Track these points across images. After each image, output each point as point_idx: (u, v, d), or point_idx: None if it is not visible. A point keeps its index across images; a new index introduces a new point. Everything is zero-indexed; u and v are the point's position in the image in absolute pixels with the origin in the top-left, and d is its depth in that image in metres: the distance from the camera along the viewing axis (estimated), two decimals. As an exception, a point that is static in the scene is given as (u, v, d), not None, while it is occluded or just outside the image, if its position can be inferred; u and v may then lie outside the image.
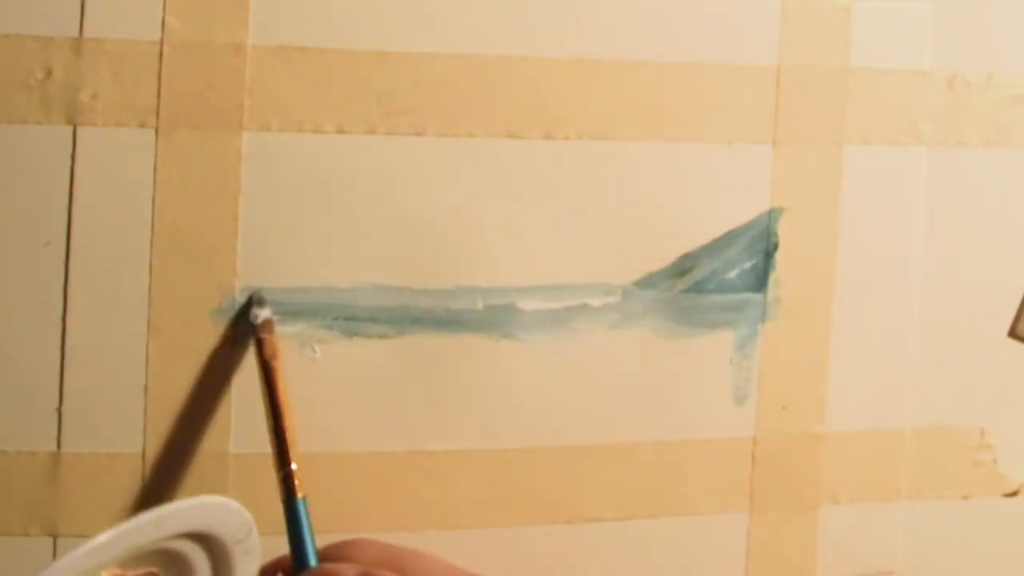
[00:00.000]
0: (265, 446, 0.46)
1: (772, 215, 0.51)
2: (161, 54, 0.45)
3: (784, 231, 0.51)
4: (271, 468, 0.46)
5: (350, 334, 0.47)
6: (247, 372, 0.46)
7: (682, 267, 0.50)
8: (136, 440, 0.45)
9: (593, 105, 0.48)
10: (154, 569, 0.40)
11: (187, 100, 0.45)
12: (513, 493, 0.49)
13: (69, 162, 0.44)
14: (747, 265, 0.50)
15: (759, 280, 0.51)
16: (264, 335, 0.44)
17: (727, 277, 0.50)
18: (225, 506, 0.40)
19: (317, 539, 0.44)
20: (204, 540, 0.40)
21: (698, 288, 0.50)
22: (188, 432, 0.46)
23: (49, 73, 0.44)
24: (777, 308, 0.51)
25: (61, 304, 0.45)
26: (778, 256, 0.51)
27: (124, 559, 0.38)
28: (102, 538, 0.36)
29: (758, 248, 0.51)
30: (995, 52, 0.52)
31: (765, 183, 0.50)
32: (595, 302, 0.49)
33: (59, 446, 0.45)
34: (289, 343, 0.46)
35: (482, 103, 0.47)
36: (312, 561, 0.42)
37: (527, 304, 0.48)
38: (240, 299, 0.46)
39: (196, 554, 0.40)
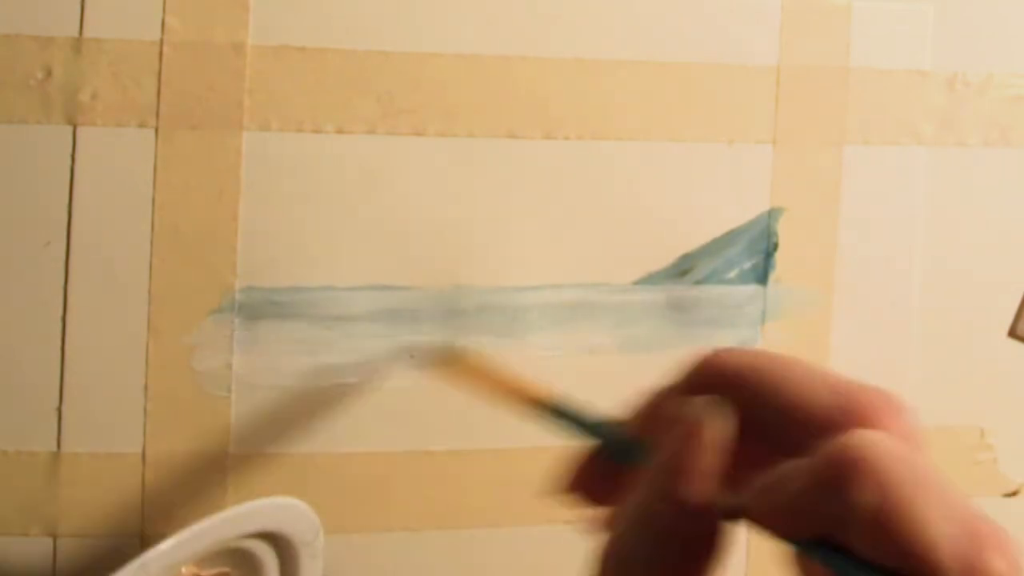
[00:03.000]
0: (265, 446, 0.46)
1: (772, 215, 0.51)
2: (161, 54, 0.45)
3: (784, 231, 0.51)
4: (271, 468, 0.46)
5: (350, 334, 0.47)
6: (247, 372, 0.46)
7: (682, 267, 0.50)
8: (136, 440, 0.45)
9: (593, 105, 0.48)
10: (227, 568, 0.41)
11: (187, 100, 0.45)
12: (513, 493, 0.49)
13: (69, 162, 0.44)
14: (747, 265, 0.50)
15: (759, 280, 0.51)
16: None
17: (727, 277, 0.50)
18: (296, 507, 0.41)
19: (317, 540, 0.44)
20: (274, 540, 0.41)
21: (698, 288, 0.50)
22: (188, 432, 0.46)
23: (49, 73, 0.44)
24: (777, 308, 0.51)
25: (61, 304, 0.45)
26: (778, 256, 0.51)
27: (200, 557, 0.39)
28: (185, 535, 0.37)
29: (758, 248, 0.51)
30: (995, 52, 0.52)
31: (765, 183, 0.50)
32: (595, 302, 0.49)
33: (59, 446, 0.45)
34: (289, 343, 0.46)
35: (482, 103, 0.47)
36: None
37: (527, 304, 0.48)
38: (240, 299, 0.46)
39: (266, 554, 0.42)
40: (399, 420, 0.48)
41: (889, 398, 0.31)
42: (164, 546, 0.38)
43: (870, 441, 0.28)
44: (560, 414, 0.36)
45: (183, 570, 0.40)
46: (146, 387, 0.45)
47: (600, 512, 0.33)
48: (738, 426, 0.30)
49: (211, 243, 0.45)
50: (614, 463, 0.34)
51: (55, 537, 0.45)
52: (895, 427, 0.30)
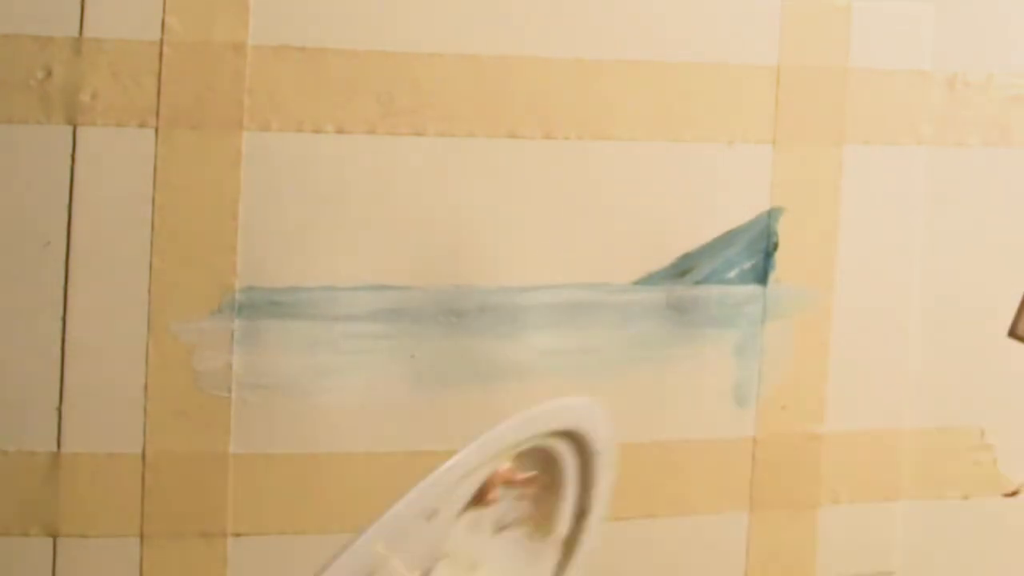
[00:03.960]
0: (265, 446, 0.46)
1: (772, 215, 0.51)
2: (161, 54, 0.45)
3: (784, 231, 0.51)
4: (271, 468, 0.46)
5: (350, 334, 0.47)
6: (247, 372, 0.46)
7: (682, 267, 0.50)
8: (136, 440, 0.45)
9: (593, 105, 0.48)
10: (535, 471, 0.41)
11: (187, 100, 0.45)
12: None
13: (69, 162, 0.44)
14: (747, 265, 0.51)
15: (759, 280, 0.51)
16: None
17: (727, 277, 0.50)
18: (593, 408, 0.41)
19: (314, 539, 0.44)
20: (575, 441, 0.41)
21: (698, 288, 0.50)
22: (188, 432, 0.46)
23: (49, 73, 0.44)
24: (777, 308, 0.51)
25: (61, 304, 0.45)
26: (778, 256, 0.51)
27: (509, 454, 0.39)
28: (496, 432, 0.38)
29: (758, 248, 0.51)
30: (995, 52, 0.52)
31: (765, 183, 0.50)
32: (595, 302, 0.49)
33: (59, 446, 0.45)
34: (289, 343, 0.46)
35: (482, 103, 0.47)
36: None
37: (527, 304, 0.48)
38: (240, 299, 0.46)
39: (567, 455, 0.41)
40: (399, 420, 0.48)
41: None
42: (454, 459, 0.38)
43: None
44: None
45: (499, 468, 0.39)
46: (146, 387, 0.45)
47: None
48: None
49: (211, 243, 0.45)
50: None
51: (55, 537, 0.45)
52: None
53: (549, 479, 0.41)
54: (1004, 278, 0.54)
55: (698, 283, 0.50)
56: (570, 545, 0.42)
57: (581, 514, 0.42)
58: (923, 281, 0.52)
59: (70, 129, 0.44)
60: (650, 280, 0.50)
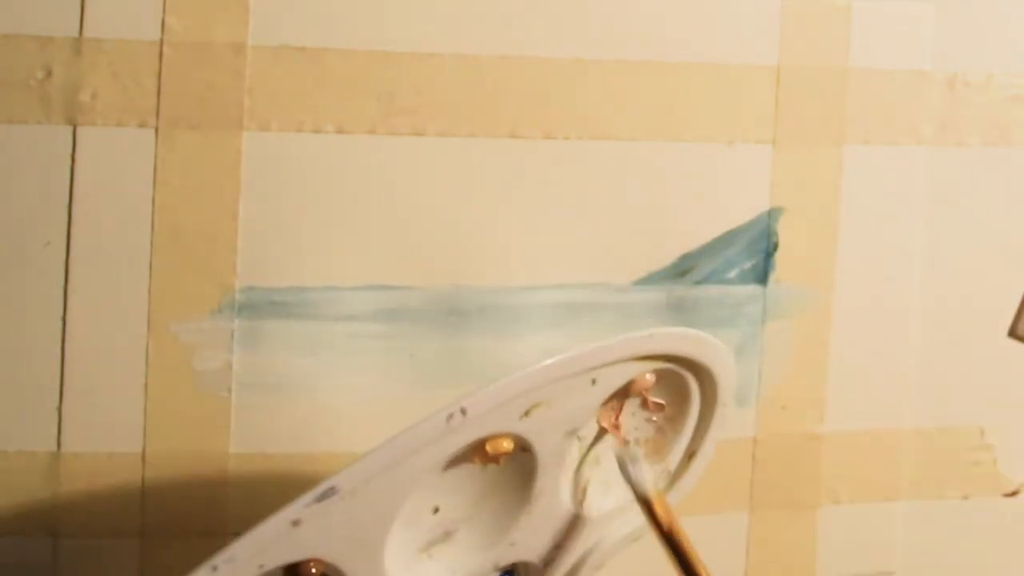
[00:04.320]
0: (265, 446, 0.46)
1: (772, 215, 0.51)
2: (161, 54, 0.45)
3: (784, 231, 0.51)
4: (271, 468, 0.46)
5: (350, 334, 0.47)
6: (247, 372, 0.46)
7: (682, 267, 0.50)
8: (136, 440, 0.45)
9: (593, 105, 0.48)
10: (663, 400, 0.41)
11: (187, 100, 0.45)
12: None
13: (69, 162, 0.44)
14: (747, 265, 0.51)
15: (759, 280, 0.51)
16: (657, 506, 0.41)
17: (727, 277, 0.50)
18: (718, 347, 0.40)
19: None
20: (707, 385, 0.41)
21: (698, 288, 0.50)
22: (188, 432, 0.46)
23: (49, 73, 0.44)
24: (777, 308, 0.51)
25: (61, 304, 0.45)
26: (778, 256, 0.51)
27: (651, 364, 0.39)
28: (645, 334, 0.38)
29: (758, 248, 0.51)
30: (995, 52, 0.52)
31: (765, 183, 0.50)
32: (595, 302, 0.49)
33: (59, 446, 0.45)
34: (289, 343, 0.46)
35: (482, 103, 0.47)
36: None
37: (527, 304, 0.48)
38: (240, 299, 0.46)
39: (696, 395, 0.41)
40: (399, 420, 0.48)
41: None
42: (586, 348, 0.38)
43: None
44: None
45: (637, 378, 0.39)
46: (146, 387, 0.45)
47: None
48: None
49: (211, 243, 0.45)
50: None
51: (55, 537, 0.45)
52: None
53: (675, 412, 0.42)
54: (1004, 278, 0.54)
55: (698, 283, 0.50)
56: (673, 481, 0.44)
57: (690, 455, 0.43)
58: (923, 281, 0.52)
59: (70, 129, 0.44)
60: (650, 280, 0.50)
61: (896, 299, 0.52)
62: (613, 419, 0.40)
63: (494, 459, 0.38)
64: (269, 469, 0.46)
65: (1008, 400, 0.54)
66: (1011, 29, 0.53)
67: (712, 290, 0.50)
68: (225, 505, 0.46)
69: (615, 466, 0.41)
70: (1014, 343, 0.54)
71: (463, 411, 0.36)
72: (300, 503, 0.34)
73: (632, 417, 0.41)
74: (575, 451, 0.41)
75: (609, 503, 0.42)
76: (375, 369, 0.47)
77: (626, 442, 0.41)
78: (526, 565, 0.41)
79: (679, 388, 0.41)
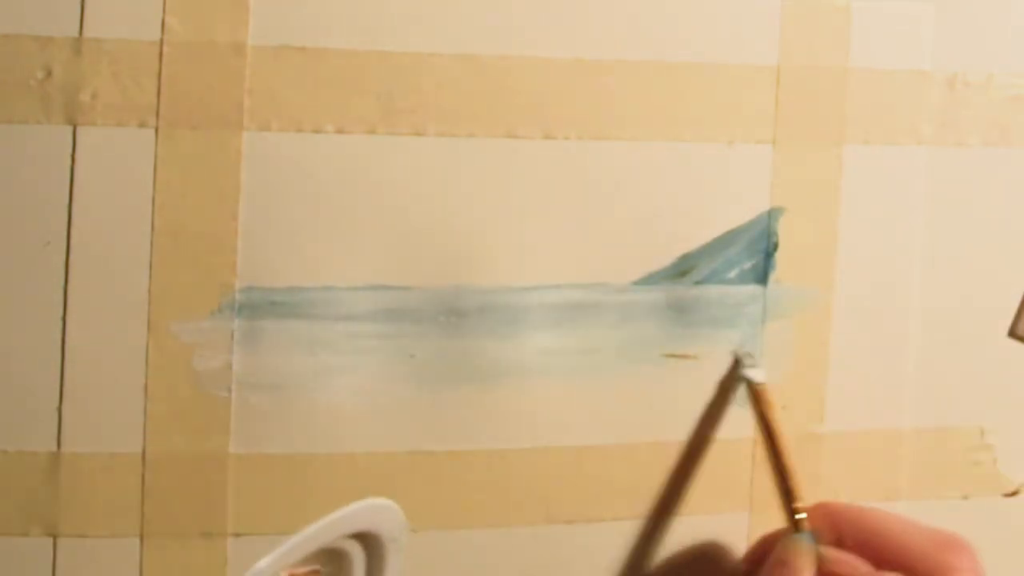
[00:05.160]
0: (265, 446, 0.46)
1: (772, 215, 0.51)
2: (161, 54, 0.45)
3: (784, 231, 0.51)
4: (271, 468, 0.46)
5: (350, 334, 0.47)
6: (247, 372, 0.46)
7: (682, 267, 0.50)
8: (136, 440, 0.45)
9: (593, 105, 0.48)
10: (317, 566, 0.43)
11: (187, 100, 0.45)
12: (513, 493, 0.49)
13: (69, 162, 0.44)
14: (747, 265, 0.51)
15: (759, 280, 0.51)
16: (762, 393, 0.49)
17: (727, 277, 0.50)
18: (389, 508, 0.45)
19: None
20: (363, 537, 0.45)
21: (698, 288, 0.50)
22: (188, 432, 0.46)
23: (49, 73, 0.44)
24: (777, 308, 0.51)
25: (61, 304, 0.45)
26: (778, 256, 0.51)
27: (297, 563, 0.42)
28: (285, 547, 0.42)
29: (758, 248, 0.51)
30: (995, 52, 0.52)
31: (765, 183, 0.50)
32: (595, 302, 0.49)
33: (59, 446, 0.45)
34: (289, 343, 0.46)
35: (482, 103, 0.47)
36: None
37: (527, 304, 0.48)
38: (240, 299, 0.46)
39: (354, 549, 0.45)
40: (399, 420, 0.48)
41: (965, 542, 0.45)
42: (263, 563, 0.41)
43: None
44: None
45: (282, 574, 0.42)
46: (146, 387, 0.45)
47: None
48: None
49: (211, 243, 0.45)
50: None
51: (55, 537, 0.45)
52: (970, 562, 0.44)
53: (335, 570, 0.45)
54: (1004, 278, 0.54)
55: (698, 283, 0.50)
56: None
57: None
58: (923, 281, 0.52)
59: (70, 129, 0.44)
60: (650, 280, 0.50)
61: (896, 299, 0.52)
62: None
63: None
64: (269, 469, 0.46)
65: (1008, 400, 0.54)
66: (1011, 29, 0.53)
67: (712, 290, 0.50)
68: (225, 505, 0.46)
69: None
70: (1014, 343, 0.54)
71: None
72: None
73: None
74: None
75: None
76: (375, 369, 0.47)
77: None
78: None
79: (331, 551, 0.45)
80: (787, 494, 0.47)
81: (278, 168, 0.46)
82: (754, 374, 0.50)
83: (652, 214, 0.49)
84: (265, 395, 0.46)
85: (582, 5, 0.48)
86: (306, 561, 0.44)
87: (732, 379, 0.50)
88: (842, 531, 0.47)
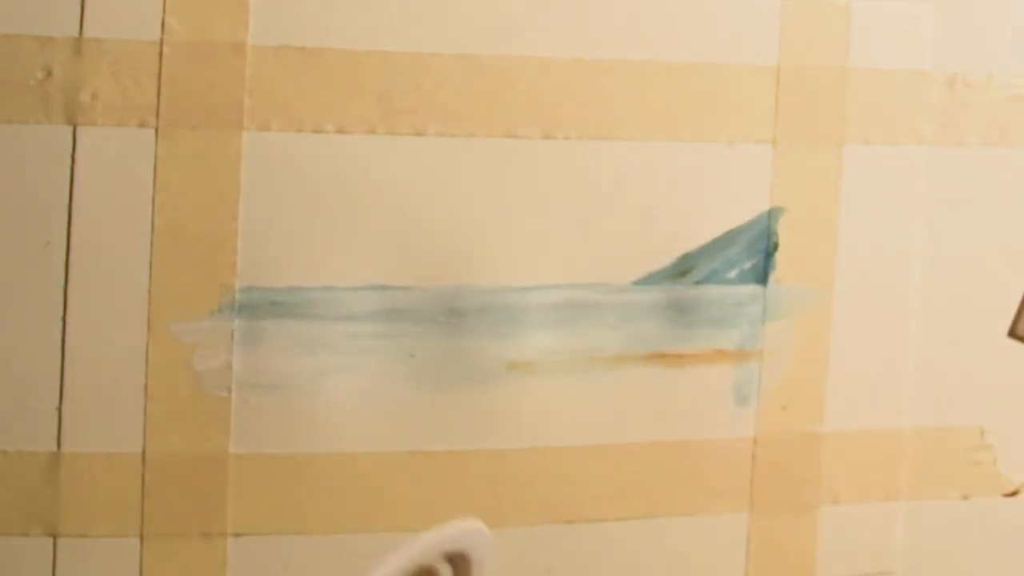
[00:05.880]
0: (265, 446, 0.46)
1: (772, 215, 0.51)
2: (161, 54, 0.45)
3: (784, 231, 0.51)
4: (271, 468, 0.46)
5: (350, 334, 0.47)
6: (247, 372, 0.46)
7: (682, 267, 0.50)
8: (136, 440, 0.45)
9: (593, 105, 0.48)
10: None
11: (187, 100, 0.45)
12: (513, 493, 0.49)
13: (69, 162, 0.44)
14: (747, 265, 0.51)
15: (759, 280, 0.51)
16: None
17: (727, 277, 0.50)
18: (480, 530, 0.46)
19: (314, 539, 0.44)
20: (453, 558, 0.46)
21: (698, 288, 0.50)
22: (188, 432, 0.46)
23: (49, 73, 0.44)
24: (777, 308, 0.51)
25: (61, 304, 0.45)
26: (778, 256, 0.51)
27: None
28: (385, 566, 0.44)
29: (758, 248, 0.51)
30: (995, 52, 0.52)
31: (765, 183, 0.50)
32: (595, 302, 0.49)
33: (59, 446, 0.45)
34: (289, 343, 0.46)
35: (482, 103, 0.47)
36: None
37: (527, 304, 0.48)
38: (240, 299, 0.46)
39: (444, 569, 0.46)
40: (399, 420, 0.48)
41: None
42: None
43: None
44: None
45: None
46: (146, 387, 0.45)
47: None
48: None
49: (211, 243, 0.45)
50: None
51: (55, 537, 0.45)
52: None
53: None
54: (1004, 278, 0.54)
55: (698, 283, 0.50)
56: None
57: None
58: (923, 281, 0.53)
59: (70, 129, 0.44)
60: (650, 280, 0.50)
61: (896, 299, 0.52)
62: None
63: None
64: (269, 469, 0.46)
65: (1008, 400, 0.54)
66: (1011, 29, 0.53)
67: (712, 290, 0.50)
68: (225, 505, 0.46)
69: None
70: (1014, 343, 0.54)
71: None
72: None
73: None
74: None
75: None
76: (375, 369, 0.47)
77: None
78: None
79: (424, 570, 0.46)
80: None
81: (278, 168, 0.46)
82: None
83: (652, 214, 0.49)
84: (265, 395, 0.46)
85: (582, 5, 0.48)
86: None
87: None
88: None
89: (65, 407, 0.45)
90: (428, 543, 0.44)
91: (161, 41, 0.45)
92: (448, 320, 0.48)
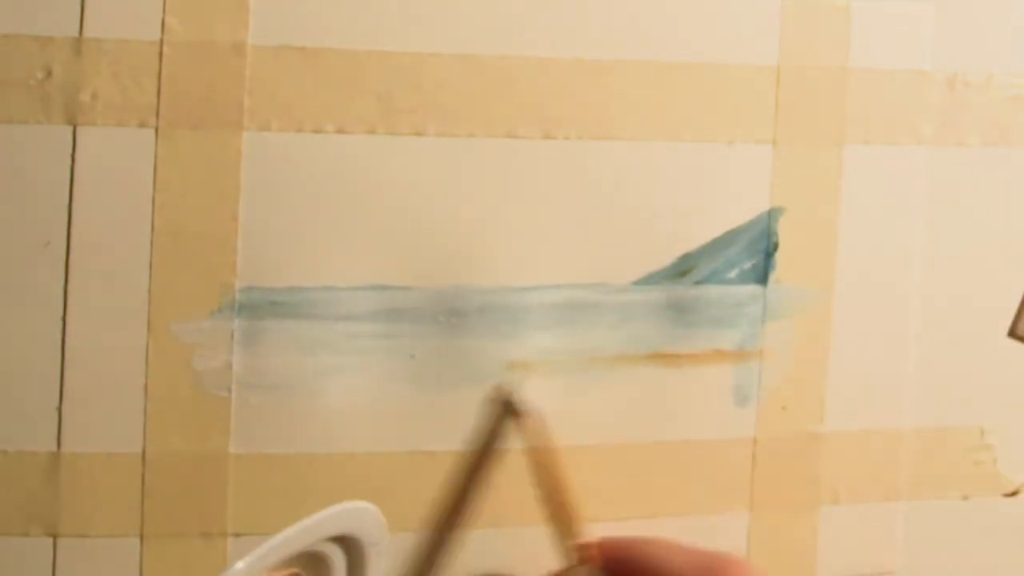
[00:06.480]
0: (265, 446, 0.46)
1: (772, 215, 0.51)
2: (161, 54, 0.45)
3: (784, 231, 0.51)
4: (271, 468, 0.46)
5: (350, 334, 0.47)
6: (247, 372, 0.46)
7: (682, 267, 0.50)
8: (136, 440, 0.46)
9: (593, 105, 0.48)
10: (296, 569, 0.43)
11: (187, 100, 0.45)
12: (513, 493, 0.49)
13: (69, 162, 0.44)
14: (747, 265, 0.51)
15: (759, 280, 0.51)
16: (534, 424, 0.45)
17: (727, 277, 0.50)
18: (367, 510, 0.44)
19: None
20: (343, 541, 0.44)
21: (698, 288, 0.50)
22: (188, 432, 0.46)
23: (49, 73, 0.44)
24: (777, 308, 0.51)
25: (61, 304, 0.45)
26: (778, 256, 0.51)
27: (276, 565, 0.41)
28: (263, 548, 0.40)
29: (758, 248, 0.51)
30: (995, 52, 0.52)
31: (765, 183, 0.50)
32: (595, 302, 0.49)
33: (59, 446, 0.45)
34: (289, 343, 0.46)
35: (482, 103, 0.47)
36: None
37: (527, 304, 0.48)
38: (240, 299, 0.46)
39: (335, 553, 0.44)
40: (399, 420, 0.48)
41: (733, 560, 0.42)
42: (241, 564, 0.40)
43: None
44: None
45: None
46: (146, 387, 0.45)
47: None
48: None
49: (211, 243, 0.45)
50: None
51: (55, 537, 0.45)
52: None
53: (315, 574, 0.44)
54: (1004, 278, 0.54)
55: (698, 283, 0.50)
56: None
57: None
58: (923, 281, 0.53)
59: (70, 129, 0.44)
60: (650, 280, 0.50)
61: (896, 299, 0.52)
62: None
63: None
64: (269, 469, 0.46)
65: (1008, 400, 0.54)
66: (1011, 29, 0.53)
67: (712, 290, 0.50)
68: (225, 505, 0.46)
69: None
70: (1014, 343, 0.54)
71: None
72: None
73: None
74: None
75: None
76: (375, 369, 0.47)
77: None
78: None
79: (311, 555, 0.43)
80: (566, 531, 0.45)
81: (278, 168, 0.46)
82: (523, 402, 0.45)
83: (652, 214, 0.49)
84: (265, 395, 0.46)
85: (582, 5, 0.48)
86: (286, 564, 0.43)
87: (500, 416, 0.46)
88: (615, 566, 0.45)
89: (65, 407, 0.45)
90: (307, 527, 0.42)
91: (161, 41, 0.45)
92: (448, 320, 0.48)
